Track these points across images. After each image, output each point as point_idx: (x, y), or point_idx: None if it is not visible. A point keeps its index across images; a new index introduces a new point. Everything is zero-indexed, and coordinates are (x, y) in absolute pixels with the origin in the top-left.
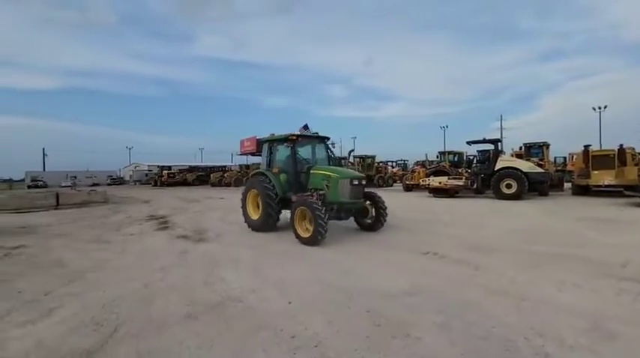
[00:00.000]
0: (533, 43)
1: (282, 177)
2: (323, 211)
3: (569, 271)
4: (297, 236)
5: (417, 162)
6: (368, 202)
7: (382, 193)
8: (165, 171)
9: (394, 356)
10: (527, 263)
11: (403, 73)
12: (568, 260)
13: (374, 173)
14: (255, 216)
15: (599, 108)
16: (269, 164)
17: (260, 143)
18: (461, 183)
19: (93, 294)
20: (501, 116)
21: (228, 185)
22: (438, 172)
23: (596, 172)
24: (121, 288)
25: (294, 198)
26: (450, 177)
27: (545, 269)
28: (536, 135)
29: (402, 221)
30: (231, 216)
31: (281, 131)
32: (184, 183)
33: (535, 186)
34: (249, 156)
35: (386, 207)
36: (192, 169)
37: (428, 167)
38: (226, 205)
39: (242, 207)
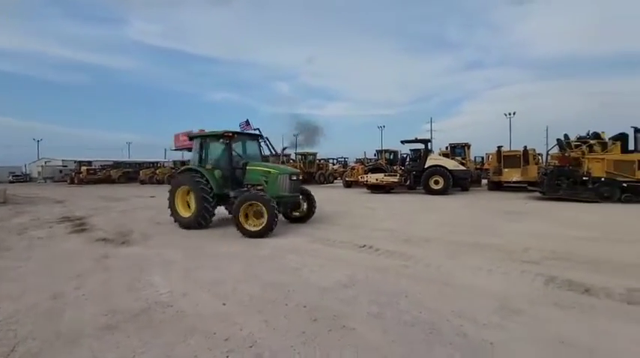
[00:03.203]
0: (459, 53)
1: (217, 173)
2: (275, 203)
3: (483, 258)
4: (244, 230)
5: (357, 159)
6: (301, 196)
7: (323, 189)
8: (84, 167)
9: (329, 349)
10: (451, 252)
11: (347, 75)
12: (483, 248)
13: (315, 170)
14: (185, 213)
15: (510, 114)
16: (201, 160)
17: (190, 138)
18: (396, 179)
19: None
20: (431, 118)
21: (160, 182)
22: (375, 169)
23: (506, 170)
24: (22, 301)
25: (232, 193)
26: (386, 174)
27: (465, 257)
28: (460, 136)
29: (341, 216)
30: (162, 215)
31: (222, 126)
32: (108, 180)
33: (458, 183)
34: (186, 152)
35: (315, 201)
36: (117, 165)
37: (366, 164)
38: (158, 204)
39: (170, 205)
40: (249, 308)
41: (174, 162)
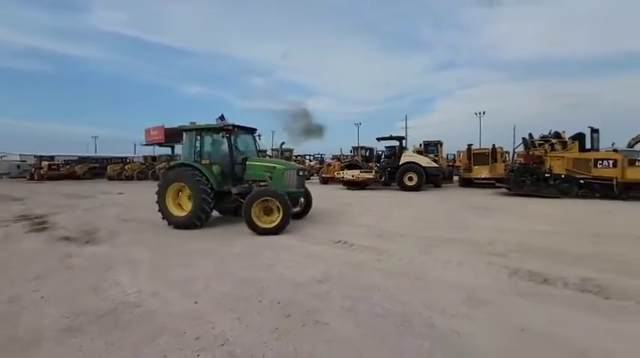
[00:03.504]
0: (433, 53)
1: (216, 169)
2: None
3: (453, 251)
4: (256, 227)
5: (333, 156)
6: None
7: None
8: (46, 162)
9: (302, 344)
10: (423, 246)
11: (324, 72)
12: (453, 242)
13: None
14: (179, 212)
15: (480, 113)
16: (197, 155)
17: (181, 131)
18: (371, 176)
19: None
20: (406, 116)
21: (129, 178)
22: (351, 166)
23: (476, 167)
24: None
25: (234, 190)
26: (362, 170)
27: (436, 251)
28: (434, 134)
29: (317, 212)
30: (132, 212)
31: (195, 120)
32: (72, 176)
33: (431, 179)
34: (157, 147)
35: (312, 197)
36: (82, 160)
37: (342, 161)
38: (127, 201)
39: (159, 204)
40: (221, 306)
41: (145, 157)
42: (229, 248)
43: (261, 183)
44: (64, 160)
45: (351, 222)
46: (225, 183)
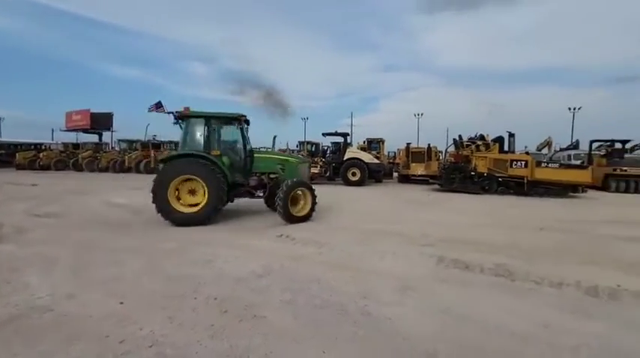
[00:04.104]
0: (378, 54)
1: (225, 160)
2: None
3: (390, 243)
4: (290, 216)
5: (279, 150)
6: None
7: None
8: None
9: (239, 339)
10: (362, 239)
11: (272, 63)
12: (390, 234)
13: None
14: (184, 208)
15: (418, 115)
16: (207, 146)
17: (181, 117)
18: (316, 170)
19: None
20: (352, 114)
21: (45, 168)
22: None
23: (413, 164)
24: None
25: (252, 182)
26: None
27: (374, 244)
28: (377, 132)
29: (259, 206)
30: (47, 206)
31: (126, 107)
32: None
33: (373, 175)
34: (81, 134)
35: None
36: None
37: None
38: (42, 193)
39: (158, 199)
40: (151, 305)
41: (65, 144)
42: (163, 243)
43: (272, 176)
44: None
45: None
46: (234, 175)
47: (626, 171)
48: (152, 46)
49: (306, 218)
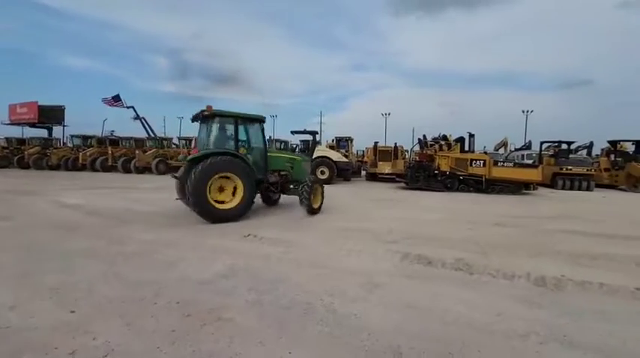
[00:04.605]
0: (348, 54)
1: (250, 158)
2: None
3: (356, 241)
4: (312, 209)
5: None
6: None
7: None
8: None
9: (202, 344)
10: (329, 237)
11: (240, 59)
12: (357, 232)
13: None
14: (220, 205)
15: (386, 114)
16: (236, 144)
17: (209, 116)
18: None
19: None
20: (321, 112)
21: None
22: None
23: (381, 163)
24: None
25: (273, 178)
26: None
27: (341, 241)
28: (347, 130)
29: None
30: None
31: (80, 99)
32: None
33: (341, 173)
34: (27, 128)
35: None
36: None
37: None
38: None
39: (199, 196)
40: (107, 313)
41: (8, 139)
42: (122, 246)
43: (282, 173)
44: None
45: (261, 215)
46: (258, 173)
47: (571, 169)
48: (109, 36)
49: (319, 209)
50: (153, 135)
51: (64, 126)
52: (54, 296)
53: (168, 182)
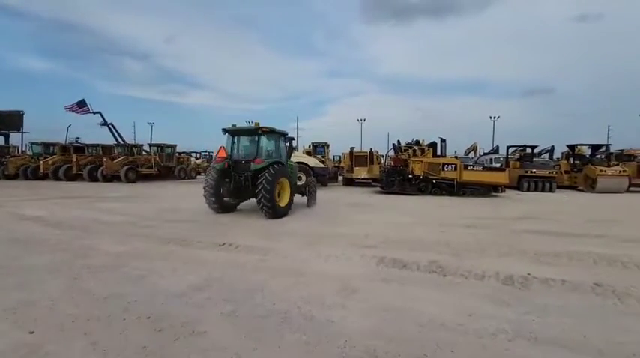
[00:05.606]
0: (325, 60)
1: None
2: None
3: (333, 246)
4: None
5: None
6: None
7: (184, 186)
8: None
9: None
10: (306, 243)
11: (214, 64)
12: (334, 237)
13: (175, 164)
14: (279, 203)
15: (361, 119)
16: (281, 155)
17: (264, 131)
18: None
19: None
20: (297, 117)
21: None
22: None
23: (357, 168)
24: None
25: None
26: None
27: (319, 247)
28: (324, 136)
29: (200, 213)
30: None
31: (42, 104)
32: None
33: (318, 179)
34: None
35: None
36: None
37: None
38: None
39: (270, 194)
40: (71, 332)
41: None
42: (87, 260)
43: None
44: None
45: (237, 223)
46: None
47: (535, 172)
48: (72, 37)
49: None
50: (122, 142)
51: (22, 132)
52: (10, 317)
53: (138, 190)
